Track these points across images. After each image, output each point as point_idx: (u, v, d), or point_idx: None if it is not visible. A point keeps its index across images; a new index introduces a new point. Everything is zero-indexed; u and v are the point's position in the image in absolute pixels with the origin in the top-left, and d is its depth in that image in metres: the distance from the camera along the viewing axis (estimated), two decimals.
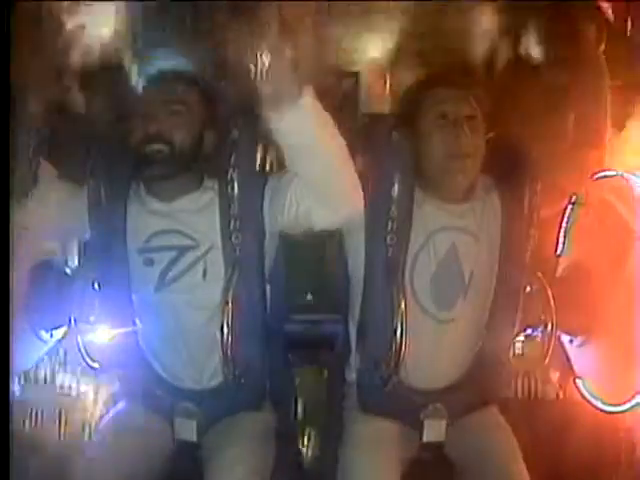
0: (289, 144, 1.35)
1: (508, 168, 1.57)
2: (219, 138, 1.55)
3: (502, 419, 1.64)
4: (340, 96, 1.98)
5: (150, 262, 1.53)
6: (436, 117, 1.52)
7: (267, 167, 1.72)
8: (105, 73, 1.90)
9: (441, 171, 1.52)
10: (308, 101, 1.28)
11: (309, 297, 1.93)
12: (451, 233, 1.56)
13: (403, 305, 1.50)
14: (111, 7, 1.89)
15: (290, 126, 1.30)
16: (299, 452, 1.78)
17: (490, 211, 1.59)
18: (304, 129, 1.30)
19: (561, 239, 1.87)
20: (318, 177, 1.39)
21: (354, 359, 1.63)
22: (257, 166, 1.57)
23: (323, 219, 1.46)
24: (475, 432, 1.61)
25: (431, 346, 1.56)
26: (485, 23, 1.95)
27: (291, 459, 1.70)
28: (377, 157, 1.54)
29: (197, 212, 1.55)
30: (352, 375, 1.63)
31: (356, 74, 2.05)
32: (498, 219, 1.58)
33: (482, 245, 1.57)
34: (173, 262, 1.53)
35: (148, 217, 1.56)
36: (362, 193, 1.44)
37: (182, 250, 1.53)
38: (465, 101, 1.54)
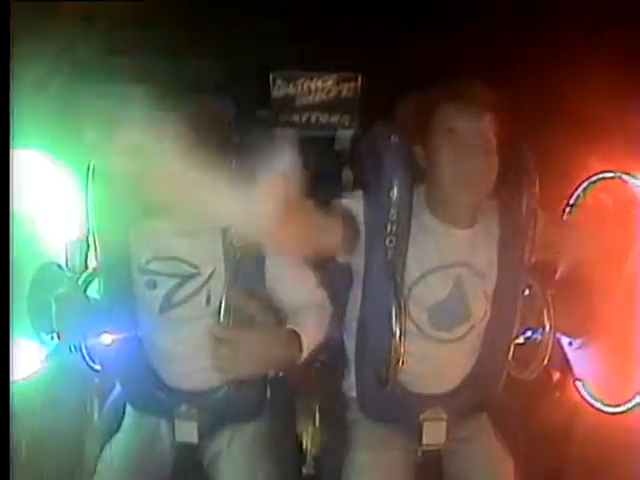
0: None
1: (506, 172, 1.57)
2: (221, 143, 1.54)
3: (498, 444, 1.63)
4: (340, 99, 1.99)
5: (153, 285, 1.51)
6: (445, 132, 1.45)
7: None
8: None
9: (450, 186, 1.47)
10: None
11: None
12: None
13: (403, 307, 1.50)
14: None
15: None
16: (300, 457, 1.77)
17: (488, 211, 1.58)
18: None
19: None
20: None
21: (353, 363, 1.63)
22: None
23: None
24: (466, 459, 1.61)
25: (432, 350, 1.56)
26: None
27: (292, 465, 1.70)
28: (376, 159, 1.54)
29: (197, 237, 1.52)
30: (352, 380, 1.63)
31: (356, 77, 2.05)
32: (496, 221, 1.58)
33: (480, 244, 1.56)
34: (177, 287, 1.51)
35: (150, 236, 1.53)
36: None
37: (184, 278, 1.51)
38: (477, 117, 1.45)
